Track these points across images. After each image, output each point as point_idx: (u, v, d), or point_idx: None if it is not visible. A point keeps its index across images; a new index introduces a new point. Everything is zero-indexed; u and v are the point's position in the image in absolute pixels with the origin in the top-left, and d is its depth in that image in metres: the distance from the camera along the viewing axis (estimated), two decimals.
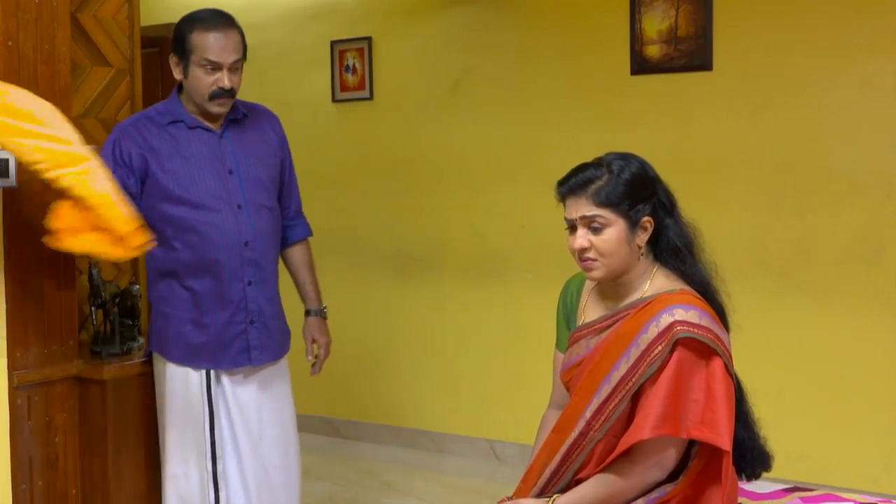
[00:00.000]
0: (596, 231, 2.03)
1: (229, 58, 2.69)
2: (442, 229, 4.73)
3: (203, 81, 2.68)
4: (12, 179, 2.74)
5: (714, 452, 1.98)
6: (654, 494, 2.01)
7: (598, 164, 2.09)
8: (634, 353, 1.98)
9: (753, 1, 3.97)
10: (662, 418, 1.93)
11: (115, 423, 2.88)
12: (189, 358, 2.77)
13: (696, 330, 1.96)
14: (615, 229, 2.03)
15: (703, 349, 1.97)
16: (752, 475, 2.16)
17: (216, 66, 2.67)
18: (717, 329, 2.02)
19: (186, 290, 2.75)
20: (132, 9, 3.33)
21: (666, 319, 1.96)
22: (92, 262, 3.07)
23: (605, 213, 2.02)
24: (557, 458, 2.07)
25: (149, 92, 3.55)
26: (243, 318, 2.79)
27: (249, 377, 2.83)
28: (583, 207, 2.04)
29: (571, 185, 2.06)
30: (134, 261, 3.37)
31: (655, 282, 2.08)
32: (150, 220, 2.71)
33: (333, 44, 4.94)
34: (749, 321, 4.02)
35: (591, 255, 2.05)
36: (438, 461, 4.64)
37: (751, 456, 2.14)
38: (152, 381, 2.92)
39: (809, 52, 3.88)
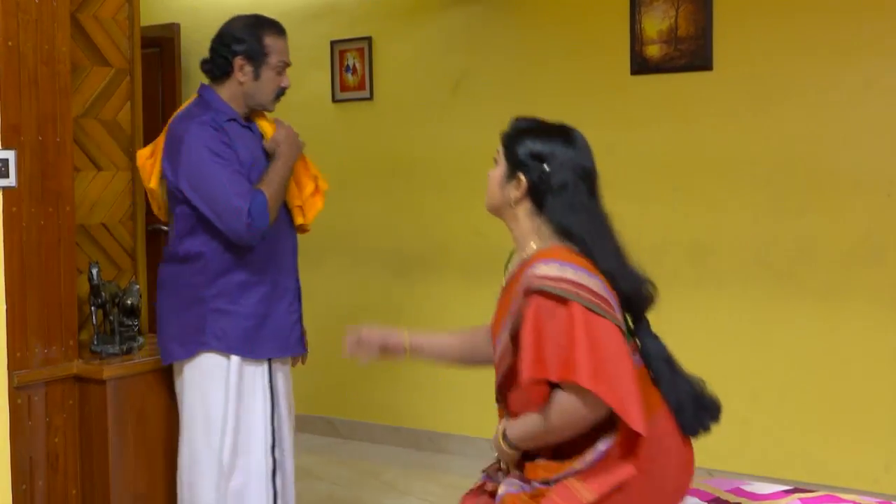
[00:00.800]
0: (496, 163, 2.28)
1: (290, 59, 2.89)
2: (442, 229, 4.73)
3: (274, 83, 2.83)
4: (12, 179, 2.75)
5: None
6: (601, 447, 2.08)
7: (536, 120, 2.37)
8: (514, 309, 2.12)
9: (753, 1, 3.97)
10: (532, 362, 2.03)
11: (115, 423, 2.88)
12: (256, 350, 2.82)
13: (548, 282, 2.04)
14: (499, 169, 2.25)
15: (558, 299, 2.04)
16: (701, 427, 2.18)
17: (285, 67, 2.85)
18: (586, 278, 2.07)
19: (251, 285, 2.80)
20: (132, 9, 3.34)
21: (528, 273, 2.08)
22: (92, 261, 3.07)
23: (500, 151, 2.27)
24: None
25: (149, 92, 3.55)
26: (297, 308, 2.95)
27: (286, 365, 2.98)
28: None
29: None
30: (134, 260, 3.39)
31: (540, 242, 2.19)
32: None
33: (333, 44, 4.94)
34: (751, 321, 4.05)
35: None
36: (438, 461, 4.64)
37: (692, 410, 2.16)
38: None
39: (810, 52, 3.88)
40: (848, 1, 3.80)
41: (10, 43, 2.74)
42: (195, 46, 5.41)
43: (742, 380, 4.08)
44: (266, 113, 2.94)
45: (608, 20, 4.24)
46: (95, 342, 3.04)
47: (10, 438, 2.74)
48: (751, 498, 2.30)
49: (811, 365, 3.94)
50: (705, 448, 4.14)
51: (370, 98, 4.91)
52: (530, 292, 2.05)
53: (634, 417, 1.99)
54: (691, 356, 4.19)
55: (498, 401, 2.26)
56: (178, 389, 2.91)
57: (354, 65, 4.93)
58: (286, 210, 2.89)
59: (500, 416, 2.26)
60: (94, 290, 3.03)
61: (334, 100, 4.99)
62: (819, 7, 3.85)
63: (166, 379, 3.00)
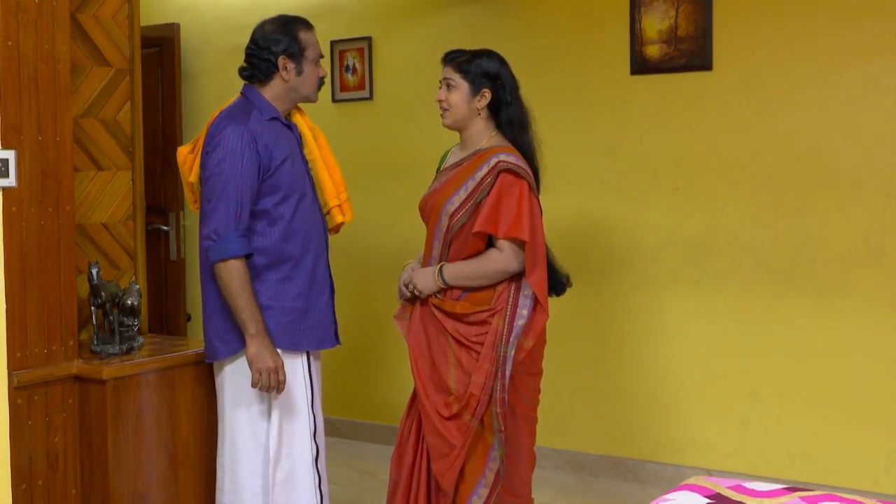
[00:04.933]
0: (450, 88, 2.97)
1: (321, 50, 3.04)
2: None
3: (315, 74, 2.97)
4: (12, 179, 2.75)
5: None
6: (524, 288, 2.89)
7: (469, 50, 3.00)
8: (471, 185, 2.90)
9: (753, 1, 3.97)
10: (488, 219, 2.84)
11: (114, 423, 2.88)
12: (298, 343, 2.93)
13: (512, 165, 2.86)
14: (460, 91, 2.95)
15: (516, 175, 2.86)
16: (562, 290, 3.09)
17: (320, 58, 2.99)
18: (527, 166, 2.91)
19: (291, 281, 2.91)
20: (132, 9, 3.34)
21: (494, 160, 2.88)
22: (92, 262, 3.07)
23: (457, 78, 2.95)
24: (436, 252, 2.99)
25: (149, 92, 3.55)
26: (332, 302, 3.07)
27: (319, 357, 3.07)
28: (447, 72, 2.98)
29: (447, 58, 3.01)
30: (134, 260, 3.38)
31: (491, 141, 2.97)
32: (265, 215, 2.85)
33: (333, 44, 4.94)
34: (750, 321, 4.05)
35: (444, 105, 2.98)
36: None
37: (554, 279, 3.02)
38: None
39: (810, 51, 3.88)
40: (848, 1, 3.81)
41: (10, 43, 2.75)
42: (195, 46, 5.41)
43: (741, 379, 4.08)
44: (300, 106, 3.06)
45: (608, 20, 4.25)
46: (95, 342, 3.05)
47: (10, 438, 2.74)
48: (752, 495, 2.30)
49: (811, 364, 3.94)
50: (705, 447, 4.17)
51: (370, 98, 4.91)
52: (499, 171, 2.85)
53: (539, 275, 2.85)
54: (691, 356, 4.21)
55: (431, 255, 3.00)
56: (218, 383, 2.98)
57: (354, 65, 4.93)
58: (319, 208, 3.02)
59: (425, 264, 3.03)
60: (94, 290, 3.03)
61: (334, 100, 4.99)
62: (819, 7, 3.85)
63: (166, 379, 3.00)
